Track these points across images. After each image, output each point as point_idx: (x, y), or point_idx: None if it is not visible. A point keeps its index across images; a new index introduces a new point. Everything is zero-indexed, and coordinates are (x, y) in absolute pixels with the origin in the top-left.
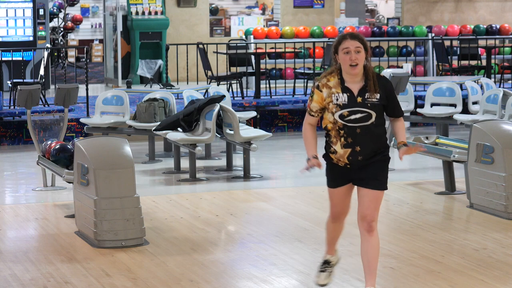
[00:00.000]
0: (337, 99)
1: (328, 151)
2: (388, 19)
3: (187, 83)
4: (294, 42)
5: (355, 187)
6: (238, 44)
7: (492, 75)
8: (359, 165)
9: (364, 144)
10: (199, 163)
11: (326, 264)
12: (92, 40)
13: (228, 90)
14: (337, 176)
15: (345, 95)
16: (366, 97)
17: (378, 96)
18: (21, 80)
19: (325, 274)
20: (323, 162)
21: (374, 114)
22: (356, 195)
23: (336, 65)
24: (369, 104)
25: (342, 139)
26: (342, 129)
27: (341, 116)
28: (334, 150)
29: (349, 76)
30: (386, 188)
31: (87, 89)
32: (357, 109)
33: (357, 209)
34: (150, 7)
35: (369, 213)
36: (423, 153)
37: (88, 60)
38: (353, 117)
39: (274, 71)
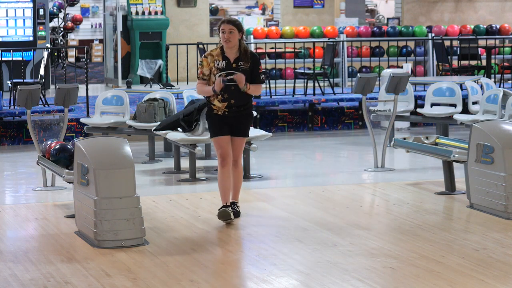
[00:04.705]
0: (217, 64)
1: (210, 106)
2: (388, 19)
3: (187, 83)
4: (294, 42)
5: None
6: None
7: (492, 75)
8: (235, 113)
9: (236, 98)
10: (199, 163)
11: (225, 207)
12: (92, 40)
13: None
14: (221, 124)
15: (224, 61)
16: (239, 64)
17: (248, 65)
18: (21, 80)
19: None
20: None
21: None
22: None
23: (220, 42)
24: (240, 70)
25: (219, 96)
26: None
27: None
28: (213, 104)
29: (227, 48)
30: (248, 135)
31: (87, 89)
32: (231, 72)
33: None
34: (150, 7)
35: (236, 153)
36: (423, 153)
37: (88, 60)
38: (228, 77)
39: (274, 71)
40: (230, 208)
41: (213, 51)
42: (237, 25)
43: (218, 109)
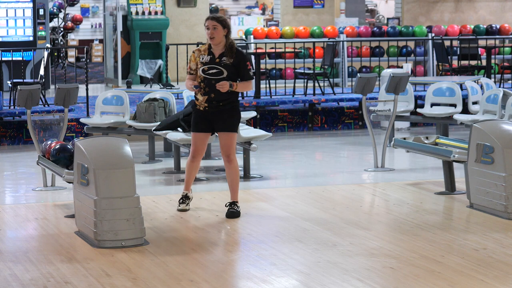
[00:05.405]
0: (202, 58)
1: (195, 101)
2: (388, 19)
3: None
4: (294, 42)
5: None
6: (238, 44)
7: (492, 75)
8: (215, 108)
9: (216, 92)
10: None
11: (186, 198)
12: (92, 40)
13: None
14: (199, 120)
15: (208, 56)
16: (222, 59)
17: (231, 61)
18: (21, 80)
19: (184, 204)
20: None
21: (225, 72)
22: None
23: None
24: (222, 64)
25: (202, 89)
26: (203, 81)
27: (203, 71)
28: (197, 98)
29: (213, 45)
30: (235, 131)
31: (87, 89)
32: (213, 66)
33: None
34: (150, 7)
35: (226, 149)
36: (423, 153)
37: (88, 60)
38: (210, 71)
39: (274, 71)
40: (187, 203)
41: (201, 46)
42: (221, 21)
43: (200, 104)
